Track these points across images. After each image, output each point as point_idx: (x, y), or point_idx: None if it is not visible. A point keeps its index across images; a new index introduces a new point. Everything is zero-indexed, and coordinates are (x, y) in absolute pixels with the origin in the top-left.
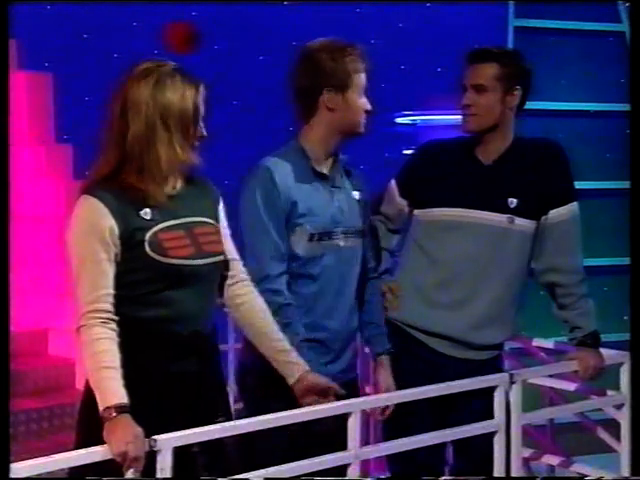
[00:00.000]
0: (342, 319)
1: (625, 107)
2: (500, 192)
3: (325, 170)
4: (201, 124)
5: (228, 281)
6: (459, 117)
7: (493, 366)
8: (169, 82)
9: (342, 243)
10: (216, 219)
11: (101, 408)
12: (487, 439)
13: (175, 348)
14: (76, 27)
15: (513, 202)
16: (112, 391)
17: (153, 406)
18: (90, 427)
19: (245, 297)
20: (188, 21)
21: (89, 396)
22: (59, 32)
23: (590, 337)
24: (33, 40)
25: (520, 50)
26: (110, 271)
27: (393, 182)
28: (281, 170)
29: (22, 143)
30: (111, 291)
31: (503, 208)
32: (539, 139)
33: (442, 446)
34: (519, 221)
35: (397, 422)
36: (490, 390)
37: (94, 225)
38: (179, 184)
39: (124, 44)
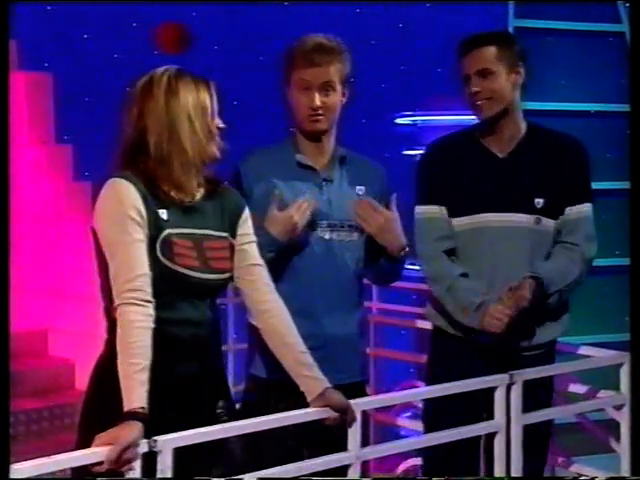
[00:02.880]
0: (336, 317)
1: (625, 107)
2: (524, 190)
3: (315, 163)
4: (217, 117)
5: (250, 287)
6: (460, 118)
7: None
8: (181, 81)
9: (327, 235)
10: (232, 233)
11: (126, 407)
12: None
13: (173, 351)
14: (76, 27)
15: (539, 202)
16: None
17: (157, 408)
18: (92, 426)
19: (270, 304)
20: (178, 22)
21: (92, 394)
22: (59, 32)
23: (539, 280)
24: (33, 40)
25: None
26: (143, 251)
27: (426, 207)
28: (258, 164)
29: (22, 143)
30: (147, 271)
31: (530, 209)
32: (557, 131)
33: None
34: (545, 221)
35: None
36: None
37: (127, 204)
38: (199, 194)
39: (124, 44)
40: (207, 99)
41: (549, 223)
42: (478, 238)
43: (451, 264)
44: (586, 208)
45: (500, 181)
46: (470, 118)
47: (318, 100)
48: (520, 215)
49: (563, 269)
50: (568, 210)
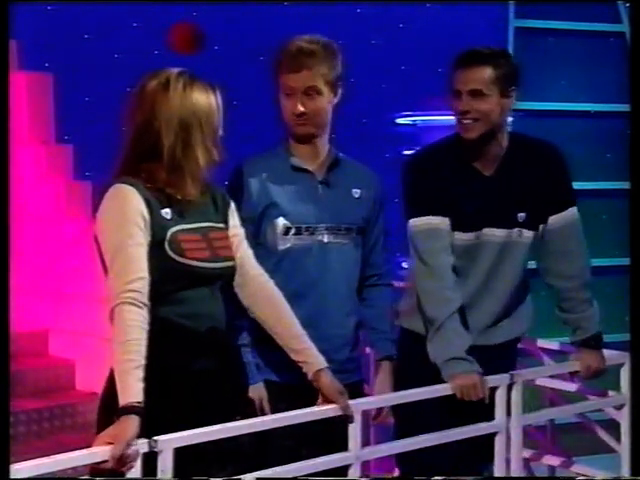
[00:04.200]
0: (334, 319)
1: (625, 107)
2: (508, 205)
3: (310, 166)
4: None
5: (239, 280)
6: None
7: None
8: (195, 87)
9: (326, 239)
10: (226, 224)
11: (122, 402)
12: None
13: (195, 345)
14: (76, 27)
15: (522, 216)
16: (134, 391)
17: (174, 404)
18: (109, 424)
19: (257, 295)
20: (192, 22)
21: (109, 392)
22: (59, 32)
23: (592, 339)
24: (33, 40)
25: (511, 49)
26: (144, 255)
27: (428, 218)
28: (254, 169)
29: (22, 143)
30: (145, 275)
31: (513, 223)
32: (535, 140)
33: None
34: (525, 233)
35: (409, 422)
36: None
37: (131, 210)
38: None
39: (124, 44)
40: (215, 107)
41: (529, 234)
42: (475, 254)
43: (457, 287)
44: (571, 212)
45: (487, 200)
46: None
47: (300, 106)
48: (504, 230)
49: (590, 307)
50: (553, 219)
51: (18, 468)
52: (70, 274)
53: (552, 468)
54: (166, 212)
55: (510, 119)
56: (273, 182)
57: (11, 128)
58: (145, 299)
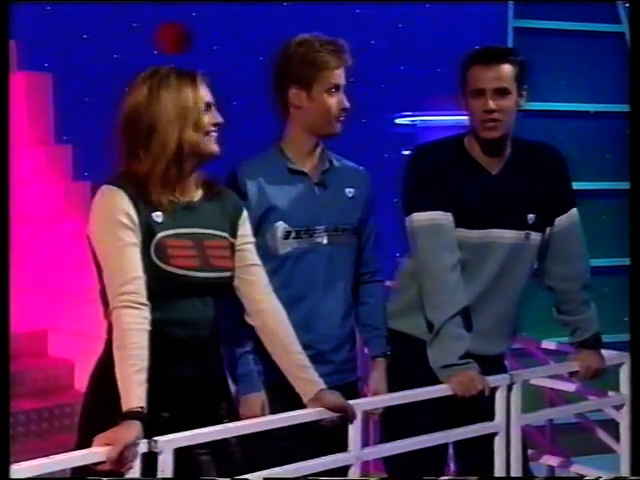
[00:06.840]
0: (332, 320)
1: (625, 108)
2: (517, 206)
3: (305, 168)
4: (213, 111)
5: (248, 286)
6: (459, 118)
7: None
8: (163, 84)
9: (325, 240)
10: (232, 233)
11: (124, 407)
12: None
13: (172, 352)
14: (76, 27)
15: (532, 217)
16: (136, 396)
17: (151, 409)
18: (93, 426)
19: (266, 304)
20: (178, 22)
21: (92, 395)
22: (59, 32)
23: (591, 339)
24: (33, 40)
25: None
26: (136, 255)
27: (432, 213)
28: (251, 172)
29: (22, 143)
30: (141, 274)
31: (522, 225)
32: (536, 143)
33: (444, 449)
34: (533, 235)
35: (398, 424)
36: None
37: (117, 210)
38: (198, 194)
39: (124, 44)
40: (193, 95)
41: (537, 237)
42: (484, 255)
43: (460, 286)
44: (573, 213)
45: (495, 198)
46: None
47: (343, 102)
48: (512, 231)
49: (589, 308)
50: (558, 220)
51: (18, 468)
52: (70, 274)
53: (551, 468)
54: (157, 215)
55: None
56: (270, 185)
57: (11, 128)
58: (142, 299)
